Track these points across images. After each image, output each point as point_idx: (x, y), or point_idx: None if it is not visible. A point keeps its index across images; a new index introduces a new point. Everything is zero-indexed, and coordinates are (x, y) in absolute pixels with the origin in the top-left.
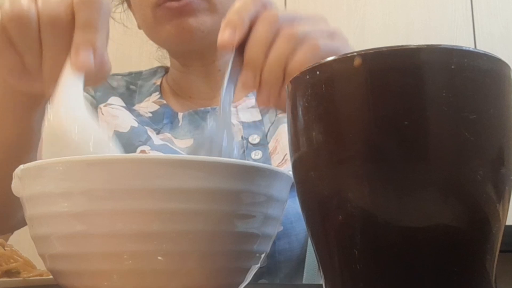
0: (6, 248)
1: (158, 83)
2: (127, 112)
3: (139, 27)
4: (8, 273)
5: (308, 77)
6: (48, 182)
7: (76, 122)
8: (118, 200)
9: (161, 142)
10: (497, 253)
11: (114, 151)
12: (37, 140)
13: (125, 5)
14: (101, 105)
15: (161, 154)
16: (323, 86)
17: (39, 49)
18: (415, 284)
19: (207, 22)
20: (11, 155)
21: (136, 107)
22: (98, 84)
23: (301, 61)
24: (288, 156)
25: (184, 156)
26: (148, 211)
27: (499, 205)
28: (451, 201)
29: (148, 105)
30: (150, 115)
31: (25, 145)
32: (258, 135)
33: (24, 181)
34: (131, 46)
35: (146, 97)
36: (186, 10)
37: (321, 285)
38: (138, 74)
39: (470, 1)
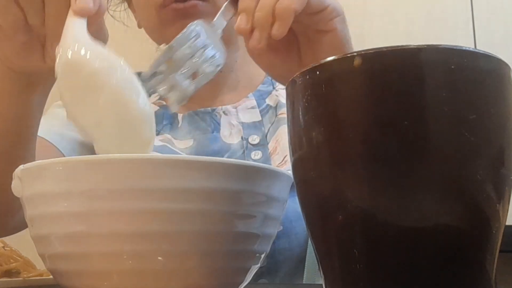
0: (6, 248)
1: None
2: None
3: (139, 26)
4: (8, 273)
5: (308, 77)
6: (48, 182)
7: (93, 52)
8: (118, 200)
9: (161, 143)
10: (497, 253)
11: (128, 71)
12: (37, 126)
13: (125, 4)
14: None
15: (161, 154)
16: (323, 86)
17: (42, 4)
18: (415, 284)
19: None
20: (10, 139)
21: None
22: (97, 30)
23: (288, 1)
24: (288, 157)
25: (184, 156)
26: (148, 211)
27: (499, 205)
28: (451, 201)
29: None
30: None
31: (24, 129)
32: (258, 135)
33: (24, 181)
34: (130, 46)
35: None
36: (191, 12)
37: (321, 285)
38: (137, 74)
39: (470, 1)
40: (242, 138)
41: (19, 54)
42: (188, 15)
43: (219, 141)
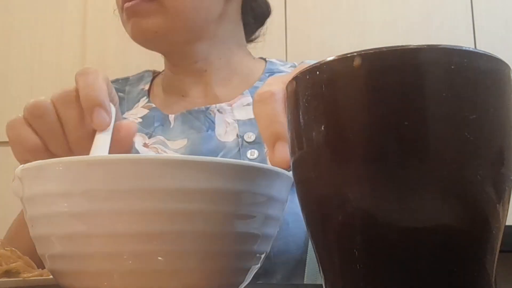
0: (6, 248)
1: (146, 88)
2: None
3: None
4: (8, 273)
5: (308, 77)
6: (48, 182)
7: None
8: (118, 200)
9: (152, 154)
10: (497, 253)
11: None
12: None
13: None
14: None
15: (161, 154)
16: (323, 86)
17: (61, 131)
18: (415, 284)
19: (159, 23)
20: None
21: (126, 115)
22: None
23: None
24: None
25: (184, 156)
26: (148, 211)
27: (499, 205)
28: (451, 201)
29: (137, 111)
30: (140, 120)
31: None
32: (253, 132)
33: (24, 181)
34: (130, 41)
35: (134, 104)
36: (137, 11)
37: (321, 285)
38: (125, 80)
39: (470, 1)
40: (237, 135)
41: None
42: (136, 14)
43: (214, 140)
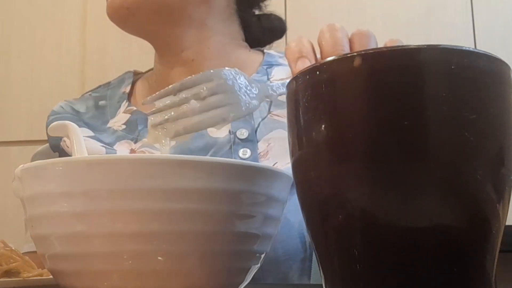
0: (6, 248)
1: (127, 90)
2: (94, 141)
3: None
4: (8, 273)
5: (308, 77)
6: (48, 182)
7: None
8: (118, 200)
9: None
10: (497, 253)
11: None
12: None
13: None
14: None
15: (161, 154)
16: (323, 86)
17: None
18: (415, 284)
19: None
20: None
21: (110, 123)
22: None
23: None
24: (278, 164)
25: (184, 156)
26: (148, 211)
27: (499, 205)
28: (451, 201)
29: (120, 118)
30: (124, 126)
31: None
32: (246, 129)
33: (24, 181)
34: (130, 41)
35: (117, 110)
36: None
37: (321, 285)
38: (106, 84)
39: (470, 1)
40: (230, 131)
41: None
42: None
43: (205, 137)
